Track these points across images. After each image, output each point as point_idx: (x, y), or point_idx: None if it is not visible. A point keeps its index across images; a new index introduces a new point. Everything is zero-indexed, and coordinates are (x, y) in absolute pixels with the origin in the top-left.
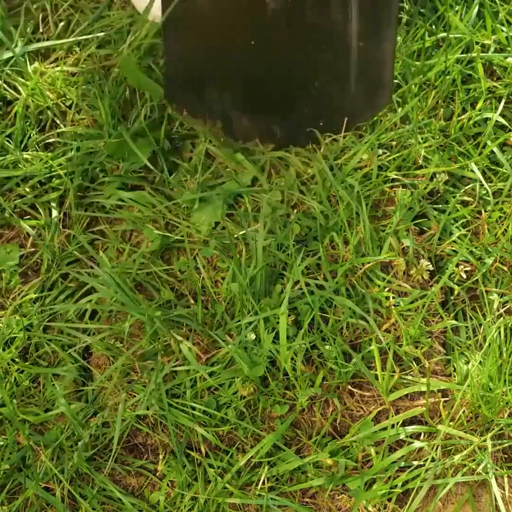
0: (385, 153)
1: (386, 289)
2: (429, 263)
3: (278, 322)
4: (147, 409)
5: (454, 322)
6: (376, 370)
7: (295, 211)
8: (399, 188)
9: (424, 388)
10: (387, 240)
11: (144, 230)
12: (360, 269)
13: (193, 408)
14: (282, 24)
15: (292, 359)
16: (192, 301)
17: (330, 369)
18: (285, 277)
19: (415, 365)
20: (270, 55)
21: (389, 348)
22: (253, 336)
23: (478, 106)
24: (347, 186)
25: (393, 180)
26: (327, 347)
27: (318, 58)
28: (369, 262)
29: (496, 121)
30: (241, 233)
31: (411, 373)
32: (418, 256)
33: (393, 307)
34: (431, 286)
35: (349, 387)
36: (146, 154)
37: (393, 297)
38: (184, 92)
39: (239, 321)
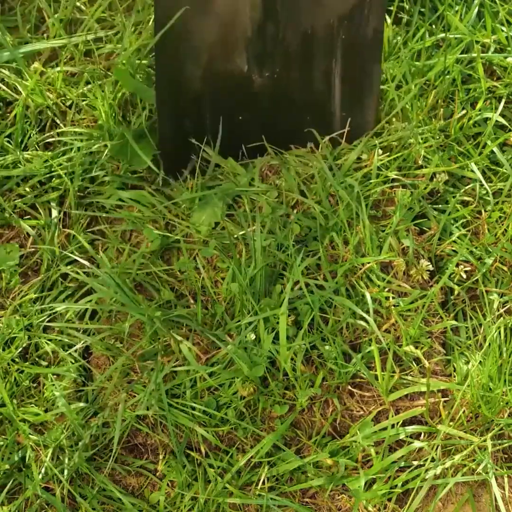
0: (385, 153)
1: (386, 289)
2: (429, 263)
3: (278, 322)
4: (147, 409)
5: (454, 322)
6: (376, 371)
7: (295, 211)
8: (399, 188)
9: (424, 388)
10: (387, 240)
11: (144, 230)
12: (360, 269)
13: (193, 408)
14: (268, 98)
15: (292, 359)
16: (192, 301)
17: (330, 369)
18: (285, 277)
19: (415, 365)
20: (256, 128)
21: (389, 349)
22: (253, 336)
23: (478, 106)
24: (347, 186)
25: (393, 180)
26: (327, 347)
27: (303, 129)
28: (369, 262)
29: (496, 121)
30: (241, 233)
31: (411, 373)
32: (418, 256)
33: (393, 307)
34: (431, 286)
35: (349, 387)
36: (149, 156)
37: (393, 297)
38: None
39: (239, 321)
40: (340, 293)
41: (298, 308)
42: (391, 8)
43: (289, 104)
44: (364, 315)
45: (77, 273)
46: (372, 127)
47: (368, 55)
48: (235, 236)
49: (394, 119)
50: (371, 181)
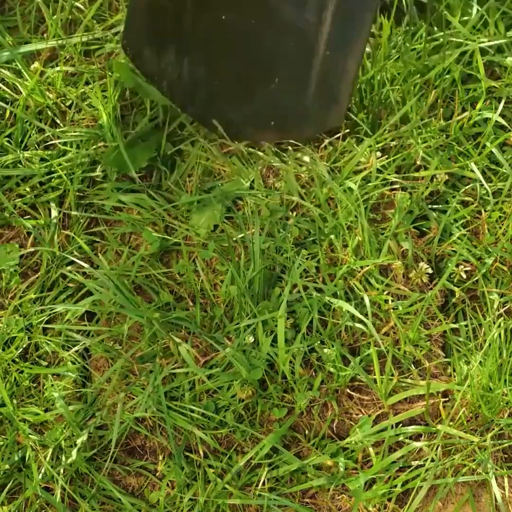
0: (384, 155)
1: (385, 292)
2: (428, 266)
3: (276, 325)
4: (146, 411)
5: (453, 325)
6: (375, 374)
7: (294, 214)
8: (399, 190)
9: (423, 392)
10: (386, 243)
11: (143, 232)
12: (359, 272)
13: (192, 411)
14: (259, 8)
15: (290, 362)
16: (191, 304)
17: (329, 372)
18: (284, 280)
19: (414, 368)
20: (239, 36)
21: (387, 352)
22: (251, 339)
23: (478, 106)
24: (346, 189)
25: (392, 182)
26: (325, 350)
27: (284, 54)
28: (367, 265)
29: (496, 121)
30: (240, 236)
31: (411, 376)
32: (418, 259)
33: (392, 310)
34: (431, 289)
35: (348, 390)
36: (144, 160)
37: (392, 300)
38: (143, 43)
39: (238, 324)
40: (338, 296)
41: (297, 311)
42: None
43: (276, 23)
44: (363, 318)
45: (77, 274)
46: (351, 83)
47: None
48: (234, 239)
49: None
50: (370, 183)
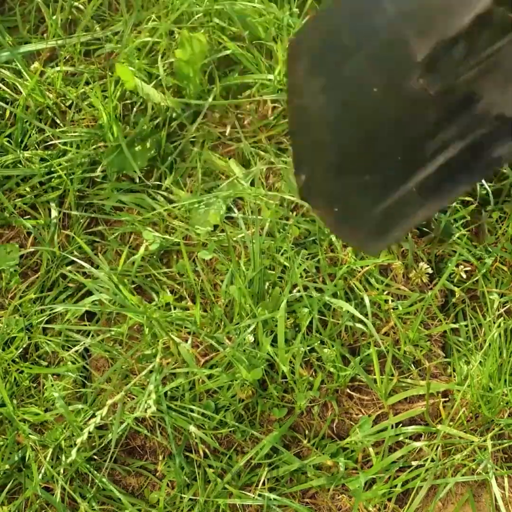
0: None
1: (385, 292)
2: (428, 266)
3: (276, 325)
4: (146, 411)
5: (453, 325)
6: (375, 374)
7: (294, 214)
8: None
9: (423, 392)
10: None
11: (143, 232)
12: (359, 272)
13: (192, 411)
14: (407, 108)
15: (290, 362)
16: (191, 304)
17: (329, 372)
18: (284, 280)
19: (414, 368)
20: (372, 114)
21: (387, 352)
22: (251, 339)
23: None
24: None
25: None
26: (325, 350)
27: (388, 163)
28: (367, 265)
29: None
30: (240, 236)
31: (411, 376)
32: (418, 259)
33: (392, 310)
34: (431, 289)
35: (348, 390)
36: (144, 160)
37: (392, 300)
38: (306, 51)
39: (238, 323)
40: (338, 296)
41: (297, 311)
42: None
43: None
44: (363, 318)
45: (77, 274)
46: (406, 230)
47: (467, 170)
48: (234, 238)
49: None
50: None
